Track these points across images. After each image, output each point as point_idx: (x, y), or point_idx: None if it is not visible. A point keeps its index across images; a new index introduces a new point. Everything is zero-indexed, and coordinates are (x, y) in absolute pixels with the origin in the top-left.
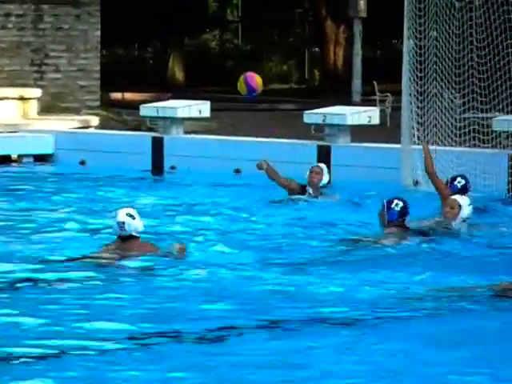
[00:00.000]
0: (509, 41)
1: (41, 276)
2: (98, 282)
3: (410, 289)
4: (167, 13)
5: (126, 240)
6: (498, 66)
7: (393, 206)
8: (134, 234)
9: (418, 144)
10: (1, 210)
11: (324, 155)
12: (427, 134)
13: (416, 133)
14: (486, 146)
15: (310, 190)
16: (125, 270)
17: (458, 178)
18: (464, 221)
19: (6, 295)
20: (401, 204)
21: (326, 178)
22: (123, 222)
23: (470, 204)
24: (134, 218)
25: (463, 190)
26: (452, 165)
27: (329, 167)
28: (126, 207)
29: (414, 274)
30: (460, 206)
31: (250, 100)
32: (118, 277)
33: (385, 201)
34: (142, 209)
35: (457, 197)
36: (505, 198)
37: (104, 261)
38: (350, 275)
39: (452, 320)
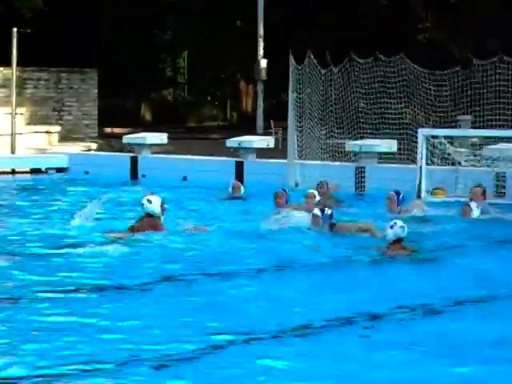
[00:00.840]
0: (353, 94)
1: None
2: None
3: None
4: (141, 76)
5: (147, 216)
6: (347, 109)
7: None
8: (150, 213)
9: (298, 159)
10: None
11: (240, 167)
12: (304, 154)
13: (297, 153)
14: (341, 161)
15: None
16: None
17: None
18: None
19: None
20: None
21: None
22: (142, 204)
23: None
24: (150, 203)
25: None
26: (320, 173)
27: (243, 176)
28: (150, 195)
29: None
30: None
31: None
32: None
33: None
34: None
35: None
36: (354, 193)
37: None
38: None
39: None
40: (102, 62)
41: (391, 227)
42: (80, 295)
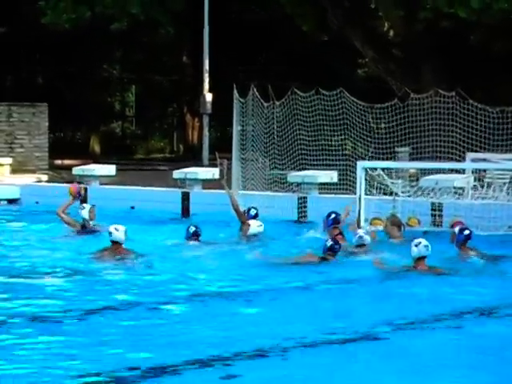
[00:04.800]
0: (295, 127)
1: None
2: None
3: None
4: (91, 110)
5: (113, 244)
6: (290, 141)
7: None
8: (117, 241)
9: (242, 190)
10: None
11: (186, 198)
12: (247, 184)
13: (241, 183)
14: (283, 191)
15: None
16: None
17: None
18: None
19: None
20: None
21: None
22: (110, 232)
23: (260, 225)
24: (117, 231)
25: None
26: (263, 203)
27: (189, 205)
28: (116, 224)
29: None
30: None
31: None
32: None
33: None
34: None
35: (251, 221)
36: (296, 220)
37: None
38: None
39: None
40: (52, 96)
41: (416, 245)
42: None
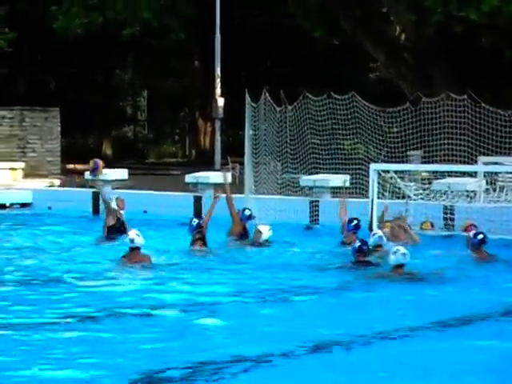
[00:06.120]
0: (307, 131)
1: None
2: None
3: None
4: (103, 115)
5: (133, 250)
6: (302, 145)
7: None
8: (138, 246)
9: (254, 194)
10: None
11: (198, 202)
12: (260, 188)
13: (253, 187)
14: (296, 195)
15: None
16: None
17: None
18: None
19: None
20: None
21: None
22: (132, 239)
23: (269, 229)
24: (138, 236)
25: None
26: (275, 207)
27: (201, 211)
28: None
29: None
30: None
31: None
32: None
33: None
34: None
35: (261, 227)
36: (307, 225)
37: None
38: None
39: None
40: (64, 101)
41: (394, 253)
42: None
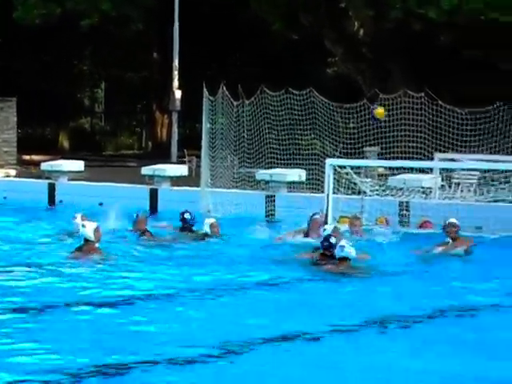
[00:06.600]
0: (264, 125)
1: None
2: None
3: None
4: (60, 106)
5: (86, 242)
6: (259, 140)
7: None
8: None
9: (211, 187)
10: None
11: (154, 194)
12: (216, 182)
13: (210, 181)
14: (252, 189)
15: None
16: None
17: None
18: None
19: None
20: None
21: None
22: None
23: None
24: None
25: None
26: (231, 201)
27: (157, 203)
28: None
29: None
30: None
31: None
32: None
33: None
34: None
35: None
36: (263, 218)
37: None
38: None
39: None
40: (22, 91)
41: (340, 248)
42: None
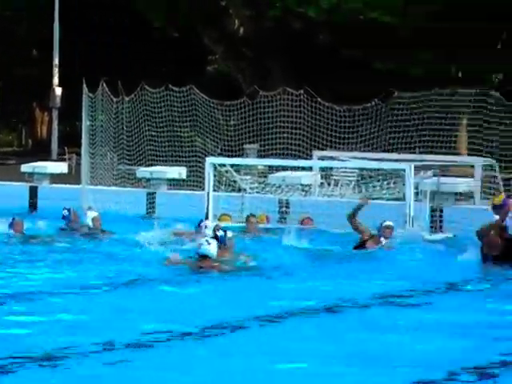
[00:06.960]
0: (144, 122)
1: None
2: None
3: None
4: None
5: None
6: (140, 136)
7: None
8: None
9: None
10: None
11: (34, 192)
12: (96, 179)
13: (89, 178)
14: (132, 186)
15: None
16: None
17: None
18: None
19: None
20: None
21: None
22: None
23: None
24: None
25: None
26: (112, 198)
27: (37, 201)
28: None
29: None
30: None
31: None
32: None
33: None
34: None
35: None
36: (144, 216)
37: None
38: None
39: None
40: None
41: (200, 245)
42: None
